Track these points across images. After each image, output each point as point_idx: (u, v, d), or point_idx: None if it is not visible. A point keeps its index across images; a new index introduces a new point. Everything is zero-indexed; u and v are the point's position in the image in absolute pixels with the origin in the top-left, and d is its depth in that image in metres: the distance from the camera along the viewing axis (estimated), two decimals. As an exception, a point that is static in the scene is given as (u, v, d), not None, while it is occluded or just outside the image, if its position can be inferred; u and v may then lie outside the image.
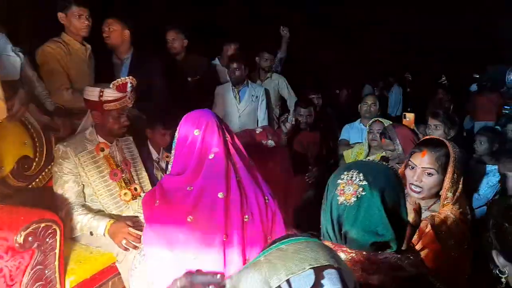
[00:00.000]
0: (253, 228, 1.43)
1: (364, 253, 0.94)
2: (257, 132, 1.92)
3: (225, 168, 1.42)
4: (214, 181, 1.40)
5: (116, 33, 3.04)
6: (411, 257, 1.00)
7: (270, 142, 1.89)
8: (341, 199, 0.98)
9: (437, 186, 1.68)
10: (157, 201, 1.39)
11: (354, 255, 0.94)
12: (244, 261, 1.40)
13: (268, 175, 1.91)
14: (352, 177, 0.99)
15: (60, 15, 2.57)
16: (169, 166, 1.51)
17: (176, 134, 1.50)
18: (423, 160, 1.68)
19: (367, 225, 0.95)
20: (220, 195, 1.38)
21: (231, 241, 1.37)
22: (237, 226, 1.38)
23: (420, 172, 1.67)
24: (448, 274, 1.49)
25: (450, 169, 1.64)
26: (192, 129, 1.44)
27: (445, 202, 1.66)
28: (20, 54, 2.19)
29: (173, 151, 1.50)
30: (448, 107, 6.39)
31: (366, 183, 0.97)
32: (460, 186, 1.67)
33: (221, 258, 1.35)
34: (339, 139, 3.56)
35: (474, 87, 6.83)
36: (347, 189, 0.98)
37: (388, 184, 1.00)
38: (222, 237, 1.35)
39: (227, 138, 1.47)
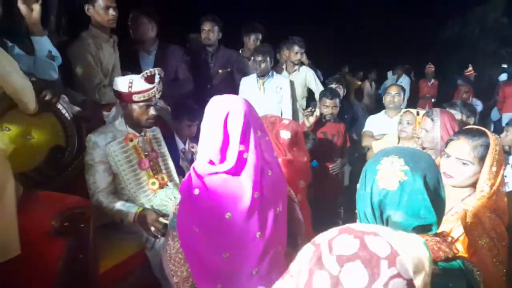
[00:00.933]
0: (282, 220, 1.44)
1: None
2: (283, 122, 1.93)
3: (259, 165, 1.39)
4: (249, 178, 1.35)
5: (144, 26, 3.11)
6: (448, 239, 1.01)
7: (285, 133, 1.89)
8: (382, 184, 1.00)
9: (472, 177, 1.60)
10: (197, 190, 1.34)
11: None
12: (275, 252, 1.42)
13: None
14: (392, 162, 1.00)
15: (87, 6, 2.59)
16: (200, 148, 1.44)
17: (216, 119, 1.39)
18: (458, 149, 1.61)
19: (410, 209, 0.97)
20: (256, 194, 1.35)
21: (264, 236, 1.37)
22: (270, 222, 1.38)
23: (455, 161, 1.61)
24: (483, 273, 1.45)
25: (488, 161, 1.55)
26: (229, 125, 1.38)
27: (480, 196, 1.57)
28: (58, 57, 2.27)
29: (206, 134, 1.42)
30: (467, 98, 6.24)
31: (408, 168, 0.99)
32: (499, 180, 1.57)
33: (255, 254, 1.36)
34: (363, 130, 3.52)
35: (503, 77, 6.62)
36: (388, 174, 1.00)
37: (429, 169, 1.01)
38: (256, 235, 1.34)
39: (259, 134, 1.43)
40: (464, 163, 1.59)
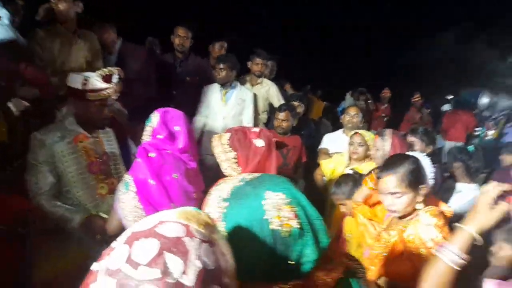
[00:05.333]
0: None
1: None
2: (252, 130, 1.92)
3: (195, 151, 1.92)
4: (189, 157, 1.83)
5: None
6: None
7: (259, 142, 1.88)
8: (283, 230, 0.87)
9: (411, 203, 1.66)
10: (153, 153, 1.69)
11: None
12: None
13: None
14: (276, 201, 0.89)
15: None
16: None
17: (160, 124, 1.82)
18: (387, 185, 1.65)
19: (316, 236, 0.91)
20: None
21: (198, 197, 1.75)
22: (200, 190, 1.82)
23: (390, 196, 1.66)
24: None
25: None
26: (174, 125, 1.84)
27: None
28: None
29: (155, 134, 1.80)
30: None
31: (291, 197, 0.91)
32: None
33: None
34: (320, 147, 3.57)
35: (446, 107, 7.03)
36: (283, 216, 0.87)
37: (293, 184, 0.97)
38: (193, 194, 1.73)
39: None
40: (398, 196, 1.63)
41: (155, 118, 1.85)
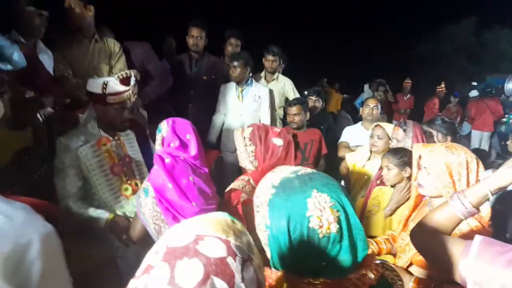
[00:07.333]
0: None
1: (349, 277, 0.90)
2: (274, 130, 1.95)
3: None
4: (204, 162, 1.83)
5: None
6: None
7: (278, 141, 1.90)
8: (321, 231, 0.87)
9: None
10: (168, 160, 1.65)
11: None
12: None
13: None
14: (320, 202, 0.89)
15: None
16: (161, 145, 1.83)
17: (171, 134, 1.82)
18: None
19: (353, 245, 0.90)
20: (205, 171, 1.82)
21: (214, 200, 1.73)
22: (214, 192, 1.78)
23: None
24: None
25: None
26: (185, 133, 1.83)
27: None
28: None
29: (168, 143, 1.80)
30: (454, 118, 6.52)
31: (336, 201, 0.90)
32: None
33: (213, 206, 1.68)
34: (339, 141, 3.55)
35: (474, 93, 6.84)
36: (324, 218, 0.88)
37: (342, 189, 0.94)
38: (210, 195, 1.70)
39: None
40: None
41: (164, 128, 1.86)
